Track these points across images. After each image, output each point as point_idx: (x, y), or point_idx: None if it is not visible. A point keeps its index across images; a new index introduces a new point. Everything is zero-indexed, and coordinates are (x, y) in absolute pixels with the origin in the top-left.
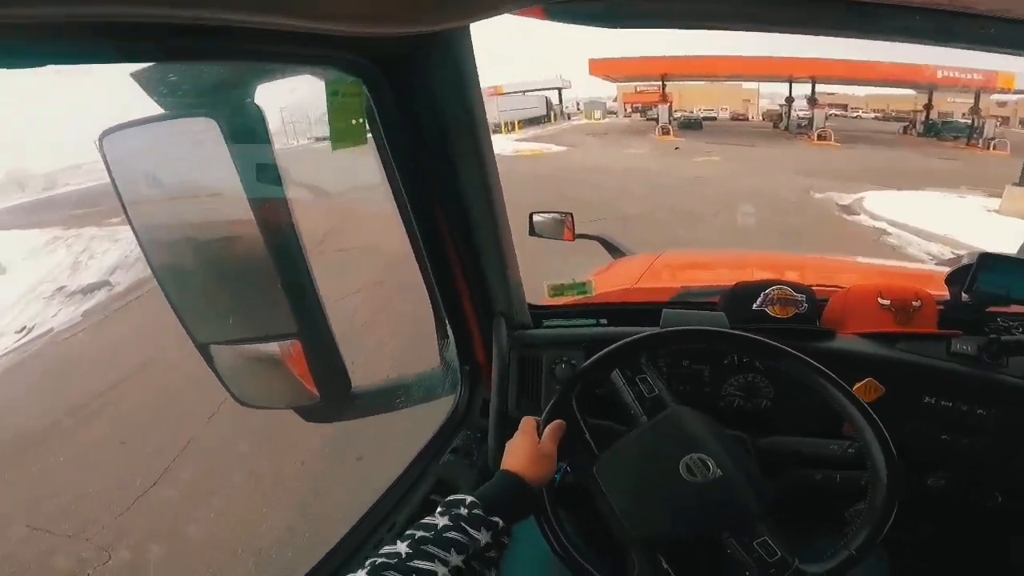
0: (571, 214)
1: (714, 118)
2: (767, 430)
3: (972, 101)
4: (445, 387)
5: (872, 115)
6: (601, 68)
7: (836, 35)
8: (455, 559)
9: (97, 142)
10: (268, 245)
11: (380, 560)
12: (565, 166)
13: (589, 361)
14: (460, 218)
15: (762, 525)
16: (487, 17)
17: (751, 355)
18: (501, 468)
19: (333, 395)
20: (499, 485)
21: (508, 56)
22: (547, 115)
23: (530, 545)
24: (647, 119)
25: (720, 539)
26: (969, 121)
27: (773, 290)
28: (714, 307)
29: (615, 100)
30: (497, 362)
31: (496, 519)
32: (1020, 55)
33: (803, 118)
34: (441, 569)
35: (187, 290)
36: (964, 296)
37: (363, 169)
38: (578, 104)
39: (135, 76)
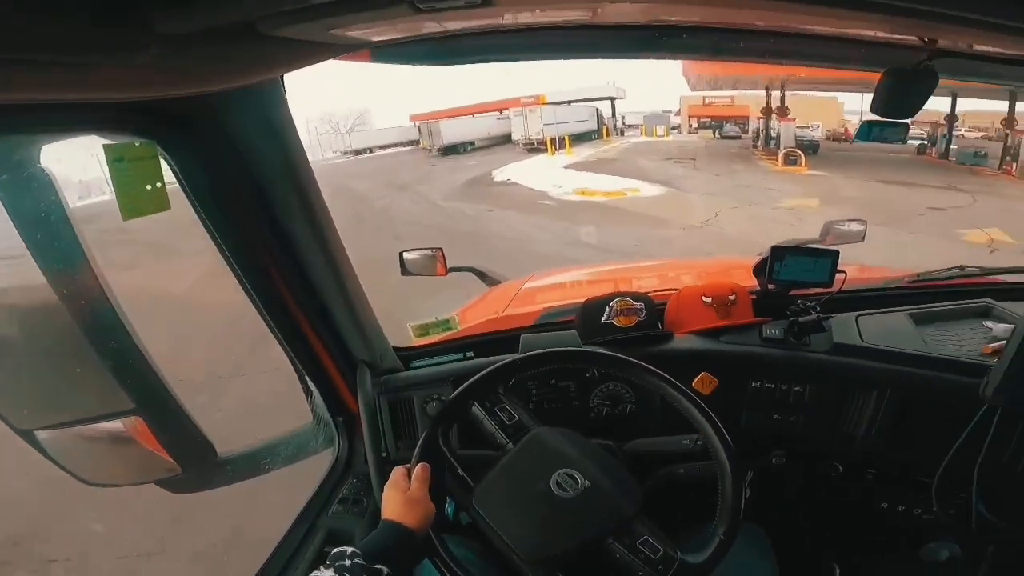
0: (441, 248)
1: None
2: (636, 433)
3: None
4: (320, 441)
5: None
6: (695, 66)
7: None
8: None
9: None
10: (78, 318)
11: None
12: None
13: (447, 400)
14: (297, 274)
15: (640, 526)
16: (298, 68)
17: (597, 367)
18: (382, 518)
19: (196, 464)
20: (381, 533)
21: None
22: (597, 130)
23: None
24: (721, 136)
25: (606, 546)
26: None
27: (616, 302)
28: (571, 325)
29: (676, 114)
30: (364, 410)
31: (380, 567)
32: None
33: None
34: None
35: None
36: (771, 286)
37: None
38: (622, 118)
39: None
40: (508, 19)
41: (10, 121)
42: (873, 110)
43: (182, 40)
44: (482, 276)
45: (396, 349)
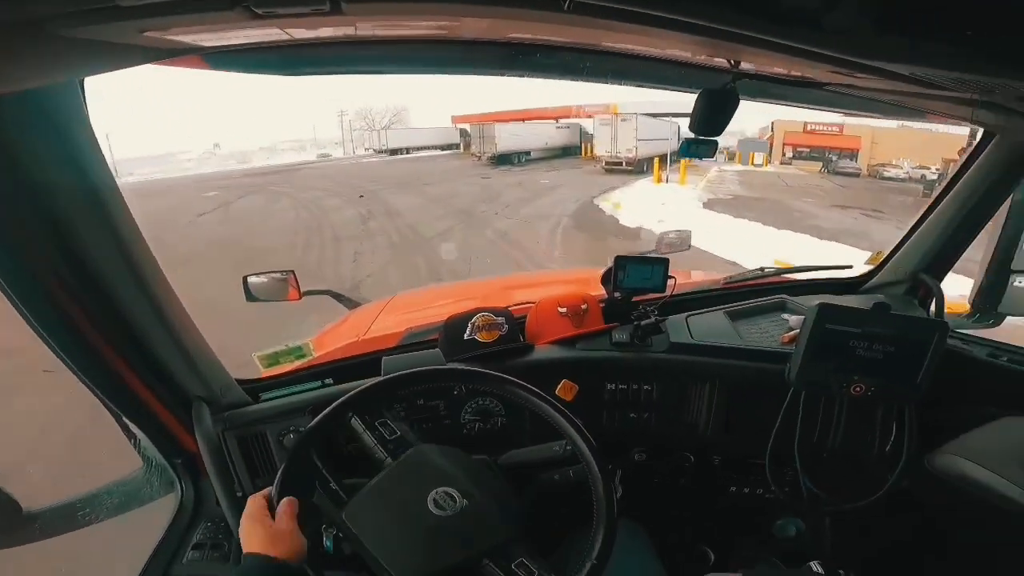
0: (292, 271)
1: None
2: (509, 446)
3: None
4: (156, 486)
5: None
6: None
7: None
8: None
9: None
10: None
11: None
12: None
13: (304, 430)
14: (102, 308)
15: (517, 546)
16: (103, 72)
17: (461, 384)
18: (244, 552)
19: None
20: (252, 569)
21: None
22: (677, 151)
23: None
24: (833, 172)
25: (481, 568)
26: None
27: (477, 318)
28: (435, 344)
29: (768, 139)
30: (206, 450)
31: None
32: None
33: None
34: None
35: None
36: (616, 294)
37: None
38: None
39: None
40: (361, 30)
41: None
42: (690, 128)
43: None
44: (341, 299)
45: (242, 382)
